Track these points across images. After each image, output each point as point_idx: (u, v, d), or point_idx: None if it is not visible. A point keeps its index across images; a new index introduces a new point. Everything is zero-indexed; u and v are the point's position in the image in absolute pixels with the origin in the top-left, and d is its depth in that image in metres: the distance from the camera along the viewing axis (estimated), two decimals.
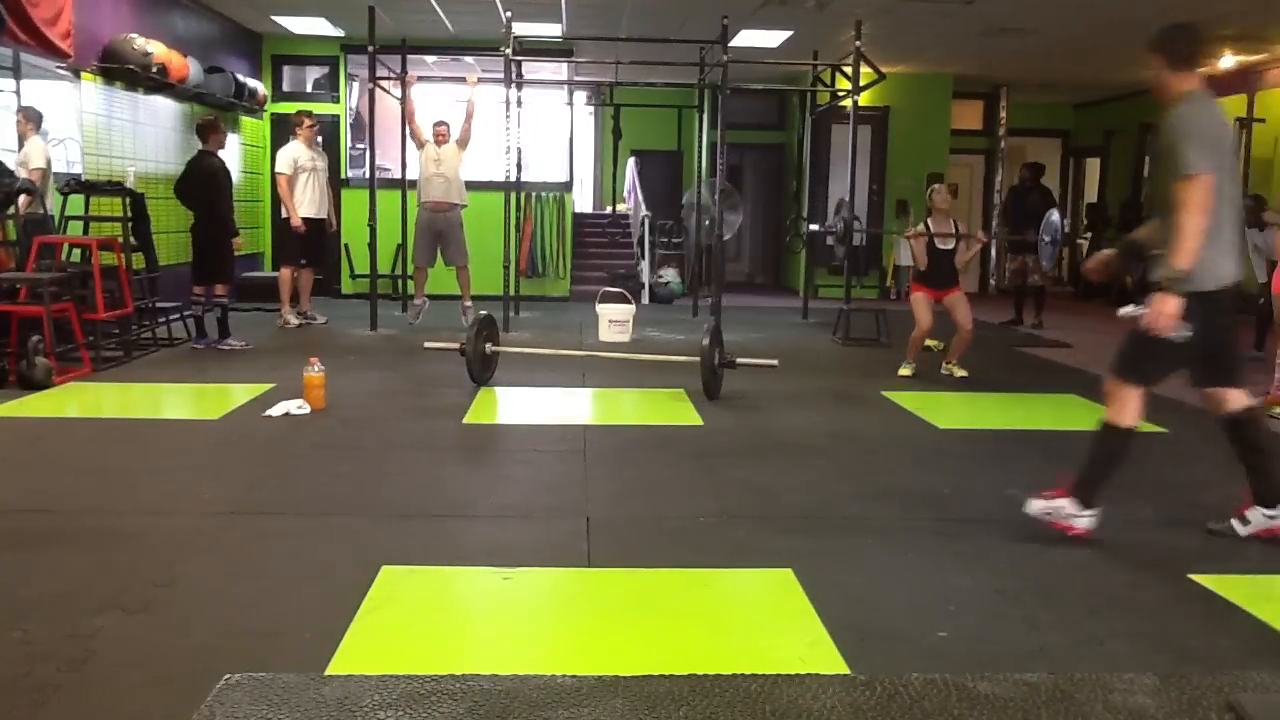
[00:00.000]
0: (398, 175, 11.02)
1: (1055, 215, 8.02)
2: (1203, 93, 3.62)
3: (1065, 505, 3.68)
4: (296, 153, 8.86)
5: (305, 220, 8.82)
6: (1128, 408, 3.67)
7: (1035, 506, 3.75)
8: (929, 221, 7.14)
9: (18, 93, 6.86)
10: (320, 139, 9.44)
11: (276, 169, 8.93)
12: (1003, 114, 14.24)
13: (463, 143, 9.16)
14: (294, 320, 9.04)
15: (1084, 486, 3.66)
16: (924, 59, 12.16)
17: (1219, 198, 3.48)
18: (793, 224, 13.94)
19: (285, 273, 9.02)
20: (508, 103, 9.36)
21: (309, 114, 9.20)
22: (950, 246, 7.12)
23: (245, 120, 11.20)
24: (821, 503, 4.16)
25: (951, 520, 3.91)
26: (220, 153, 8.02)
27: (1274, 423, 5.86)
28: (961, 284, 7.25)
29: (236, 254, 8.34)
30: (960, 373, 7.18)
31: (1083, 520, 3.67)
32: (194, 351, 7.64)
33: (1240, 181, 3.75)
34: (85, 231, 7.21)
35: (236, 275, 9.00)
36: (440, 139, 9.13)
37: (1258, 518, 3.70)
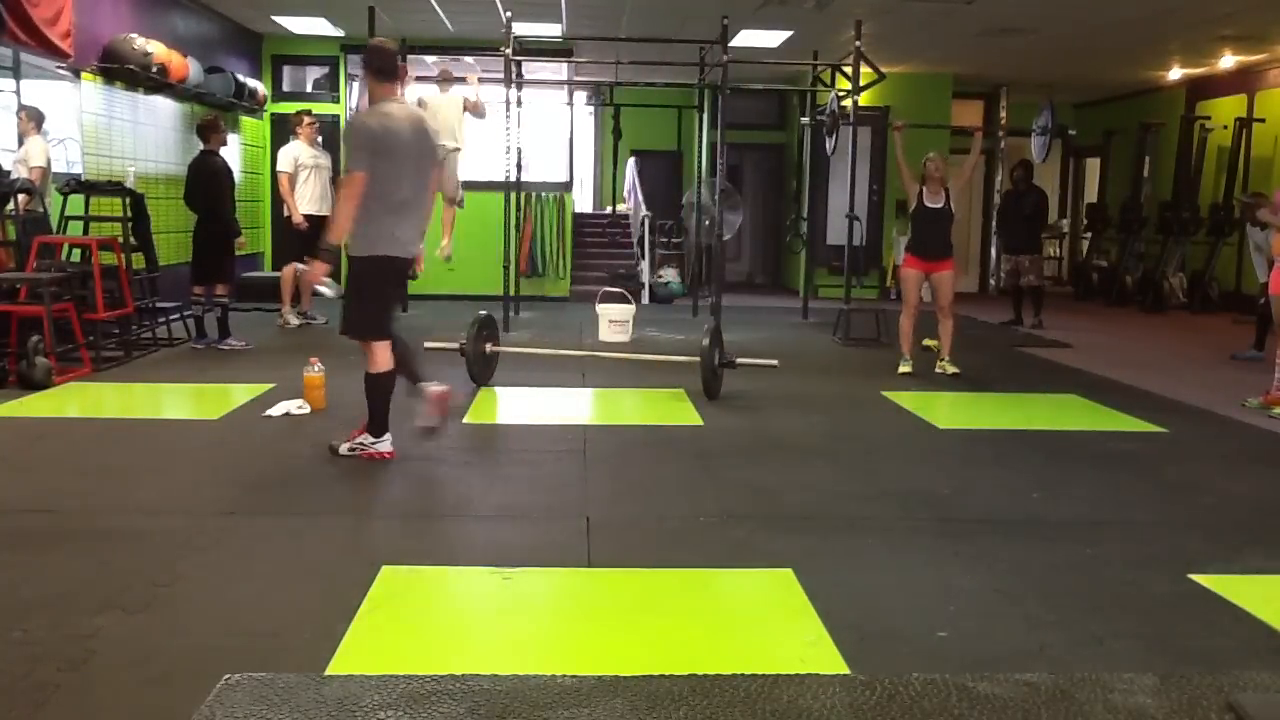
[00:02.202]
0: None
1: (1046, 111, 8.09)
2: (392, 103, 4.48)
3: (366, 439, 4.55)
4: (298, 151, 8.85)
5: (307, 217, 8.78)
6: (378, 357, 4.52)
7: (343, 449, 4.59)
8: (923, 188, 7.22)
9: (18, 93, 6.86)
10: (320, 138, 9.42)
11: (278, 167, 8.92)
12: (1003, 114, 14.24)
13: (473, 110, 9.11)
14: (294, 320, 9.02)
15: (374, 423, 4.56)
16: (924, 59, 12.16)
17: (383, 192, 4.35)
18: (793, 224, 13.94)
19: (288, 271, 9.00)
20: (508, 103, 9.36)
21: (309, 113, 9.17)
22: (940, 204, 7.17)
23: (245, 120, 11.20)
24: (821, 503, 4.16)
25: (952, 520, 3.91)
26: (222, 152, 8.01)
27: (1276, 422, 5.87)
28: (954, 262, 7.31)
29: (237, 254, 8.34)
30: (952, 370, 7.18)
31: (383, 445, 4.58)
32: (194, 351, 7.64)
33: (421, 179, 4.51)
34: (85, 231, 7.21)
35: (236, 275, 8.98)
36: (444, 81, 9.09)
37: (364, 441, 4.60)
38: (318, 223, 8.89)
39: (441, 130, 8.88)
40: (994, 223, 14.11)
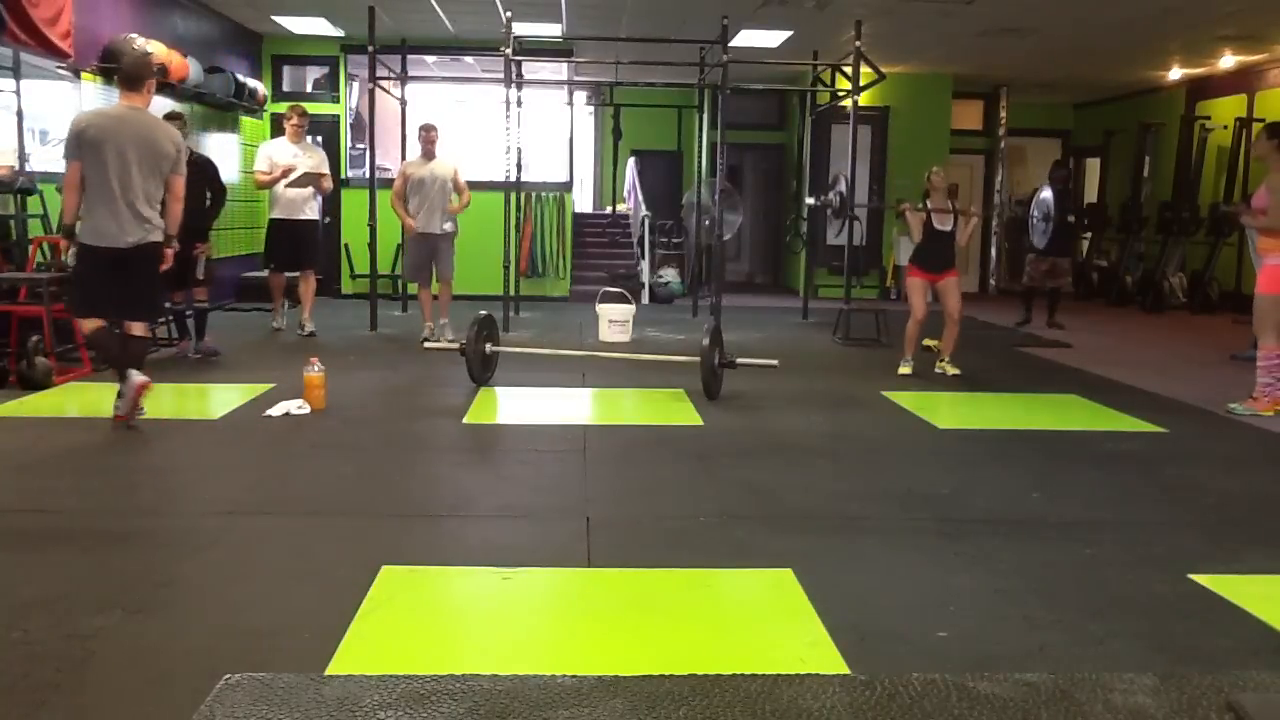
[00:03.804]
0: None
1: (1047, 192, 7.91)
2: (123, 107, 5.10)
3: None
4: (273, 150, 8.41)
5: (276, 222, 8.42)
6: (88, 325, 5.16)
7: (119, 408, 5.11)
8: (927, 202, 7.20)
9: (18, 93, 6.85)
10: (320, 138, 9.33)
11: (255, 167, 8.55)
12: (1003, 114, 14.25)
13: (458, 191, 8.29)
14: (279, 324, 8.71)
15: (118, 373, 5.11)
16: (924, 59, 12.16)
17: (91, 185, 4.93)
18: (793, 224, 13.95)
19: (272, 278, 8.77)
20: (508, 103, 9.36)
21: (301, 111, 8.60)
22: (949, 227, 7.17)
23: (245, 120, 11.21)
24: (821, 503, 4.16)
25: (952, 520, 3.91)
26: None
27: (1275, 422, 5.86)
28: (959, 269, 7.31)
29: (217, 257, 8.04)
30: (953, 371, 7.19)
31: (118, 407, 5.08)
32: (192, 355, 7.63)
33: (128, 175, 4.97)
34: None
35: (214, 277, 7.94)
36: (428, 151, 8.22)
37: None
38: (285, 229, 8.42)
39: (438, 212, 8.10)
40: (993, 223, 14.11)
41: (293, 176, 8.22)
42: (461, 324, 6.63)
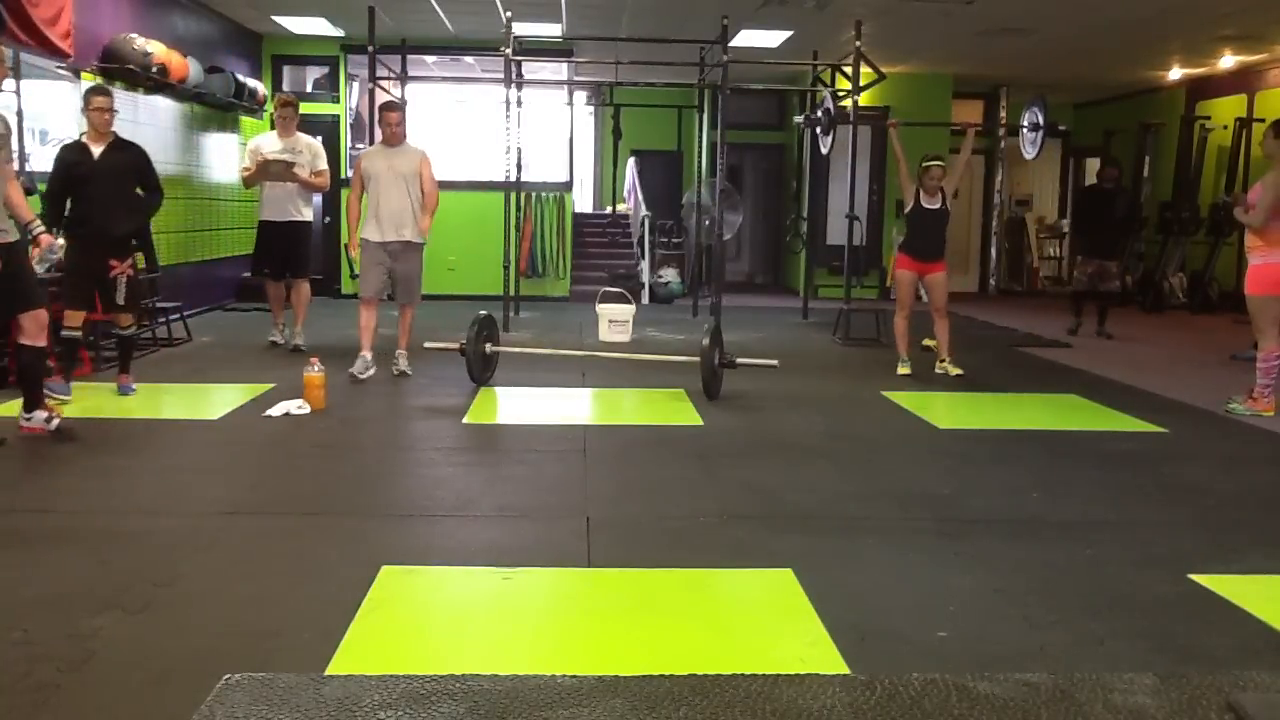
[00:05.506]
0: None
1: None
2: None
3: (33, 416, 4.90)
4: (259, 144, 7.68)
5: (265, 224, 7.74)
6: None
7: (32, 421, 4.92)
8: (920, 191, 7.21)
9: (18, 92, 6.85)
10: (320, 137, 9.24)
11: (242, 164, 8.04)
12: (1003, 114, 14.24)
13: (427, 185, 6.70)
14: (278, 338, 7.94)
15: (30, 400, 4.92)
16: (924, 59, 12.16)
17: None
18: (793, 224, 13.94)
19: (266, 286, 8.06)
20: (508, 103, 9.35)
21: (283, 101, 7.80)
22: (936, 207, 7.20)
23: (245, 120, 11.20)
24: (821, 503, 4.16)
25: (951, 520, 3.91)
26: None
27: (1275, 422, 5.86)
28: (946, 264, 7.34)
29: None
30: (955, 371, 7.18)
31: (35, 421, 4.89)
32: (190, 353, 7.62)
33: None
34: None
35: (141, 300, 6.72)
36: (392, 133, 6.65)
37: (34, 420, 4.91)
38: (273, 231, 7.70)
39: (400, 213, 6.57)
40: (993, 223, 14.09)
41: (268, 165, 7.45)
42: (460, 327, 6.60)
